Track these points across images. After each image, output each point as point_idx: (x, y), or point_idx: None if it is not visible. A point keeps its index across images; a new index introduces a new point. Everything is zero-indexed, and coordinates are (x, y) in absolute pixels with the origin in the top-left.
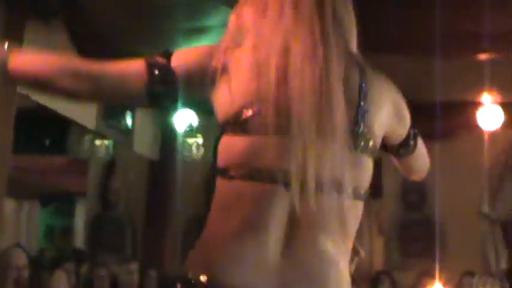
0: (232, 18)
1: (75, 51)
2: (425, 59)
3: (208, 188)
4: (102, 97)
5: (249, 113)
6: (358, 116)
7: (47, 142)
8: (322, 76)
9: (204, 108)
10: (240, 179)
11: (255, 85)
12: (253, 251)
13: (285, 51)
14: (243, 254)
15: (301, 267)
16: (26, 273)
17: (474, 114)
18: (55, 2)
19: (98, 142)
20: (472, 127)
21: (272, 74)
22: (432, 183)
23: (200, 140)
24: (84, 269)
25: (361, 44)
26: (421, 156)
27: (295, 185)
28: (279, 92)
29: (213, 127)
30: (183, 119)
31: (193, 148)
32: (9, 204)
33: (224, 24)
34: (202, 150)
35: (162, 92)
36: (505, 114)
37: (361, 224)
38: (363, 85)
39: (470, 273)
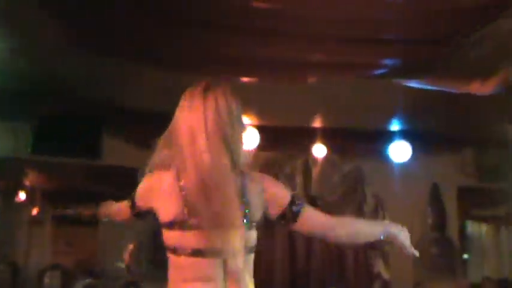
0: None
1: None
2: (186, 75)
3: None
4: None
5: (183, 218)
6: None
7: None
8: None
9: None
10: (186, 255)
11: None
12: None
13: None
14: None
15: None
16: None
17: None
18: None
19: None
20: None
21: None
22: None
23: None
24: None
25: None
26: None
27: (227, 255)
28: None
29: None
30: None
31: None
32: None
33: None
34: None
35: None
36: (260, 135)
37: None
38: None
39: None
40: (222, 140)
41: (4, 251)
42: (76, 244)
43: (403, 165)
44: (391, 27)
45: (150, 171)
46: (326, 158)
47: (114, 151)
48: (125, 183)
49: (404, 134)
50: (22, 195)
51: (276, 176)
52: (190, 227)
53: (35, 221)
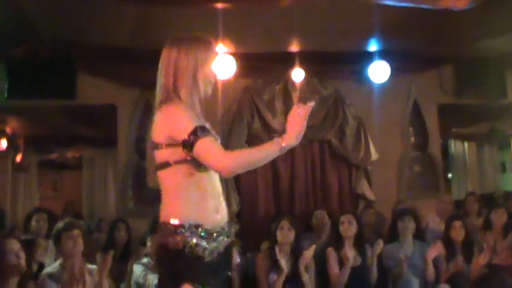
0: None
1: None
2: (158, 7)
3: None
4: None
5: None
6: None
7: None
8: None
9: None
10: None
11: None
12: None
13: None
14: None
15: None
16: None
17: None
18: None
19: None
20: None
21: None
22: None
23: None
24: None
25: None
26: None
27: None
28: None
29: None
30: None
31: None
32: None
33: None
34: None
35: None
36: (237, 63)
37: None
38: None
39: None
40: None
41: None
42: (62, 188)
43: (383, 85)
44: None
45: None
46: (305, 82)
47: (90, 89)
48: (103, 119)
49: (383, 54)
50: (4, 143)
51: (256, 103)
52: None
53: (20, 168)
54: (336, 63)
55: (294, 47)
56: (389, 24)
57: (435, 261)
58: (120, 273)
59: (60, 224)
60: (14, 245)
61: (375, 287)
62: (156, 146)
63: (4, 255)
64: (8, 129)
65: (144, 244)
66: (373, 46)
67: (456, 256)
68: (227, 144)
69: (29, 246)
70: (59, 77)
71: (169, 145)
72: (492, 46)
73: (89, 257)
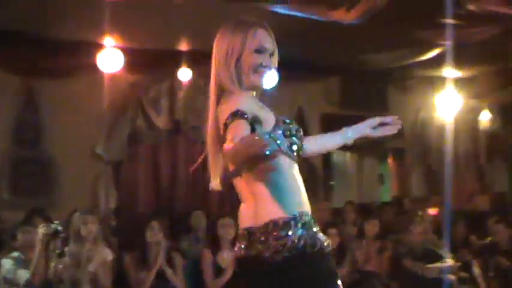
0: None
1: None
2: None
3: None
4: None
5: None
6: None
7: None
8: None
9: None
10: None
11: None
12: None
13: None
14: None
15: None
16: None
17: (95, 55)
18: None
19: None
20: (93, 69)
21: None
22: (48, 121)
23: None
24: None
25: None
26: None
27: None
28: None
29: None
30: None
31: None
32: None
33: None
34: None
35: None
36: (124, 57)
37: None
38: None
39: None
40: None
41: None
42: None
43: (269, 92)
44: None
45: None
46: (191, 82)
47: None
48: None
49: None
50: None
51: (141, 100)
52: None
53: None
54: None
55: (183, 46)
56: (279, 32)
57: None
58: None
59: None
60: None
61: None
62: None
63: None
64: None
65: (13, 238)
66: None
67: None
68: (108, 140)
69: None
70: None
71: None
72: (376, 60)
73: None
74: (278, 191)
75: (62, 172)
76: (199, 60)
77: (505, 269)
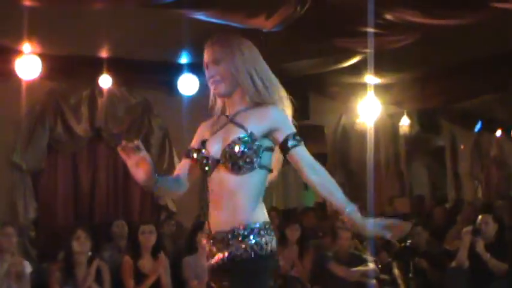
0: None
1: None
2: None
3: None
4: None
5: None
6: None
7: None
8: None
9: None
10: None
11: None
12: None
13: None
14: None
15: None
16: None
17: (13, 62)
18: None
19: None
20: (10, 75)
21: None
22: None
23: None
24: None
25: None
26: None
27: None
28: None
29: None
30: None
31: None
32: None
33: None
34: None
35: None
36: (42, 64)
37: None
38: None
39: None
40: None
41: None
42: None
43: (192, 98)
44: None
45: None
46: (112, 90)
47: None
48: None
49: (192, 67)
50: None
51: (61, 107)
52: None
53: None
54: (146, 72)
55: (103, 53)
56: (199, 38)
57: None
58: None
59: None
60: None
61: None
62: None
63: None
64: None
65: None
66: (183, 58)
67: None
68: (26, 148)
69: None
70: None
71: None
72: (297, 68)
73: None
74: (256, 201)
75: None
76: (120, 67)
77: (424, 270)
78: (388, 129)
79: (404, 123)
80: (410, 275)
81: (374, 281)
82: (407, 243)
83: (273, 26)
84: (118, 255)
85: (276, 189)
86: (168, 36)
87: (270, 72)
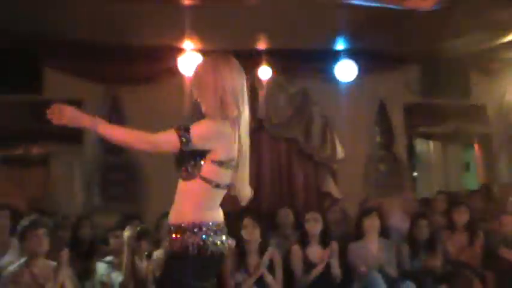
0: None
1: None
2: (123, 2)
3: None
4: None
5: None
6: None
7: None
8: None
9: None
10: (220, 188)
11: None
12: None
13: None
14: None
15: None
16: None
17: (176, 59)
18: None
19: None
20: (174, 72)
21: None
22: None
23: None
24: None
25: None
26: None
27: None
28: None
29: None
30: None
31: None
32: None
33: None
34: None
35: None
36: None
37: None
38: None
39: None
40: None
41: None
42: (26, 185)
43: (350, 85)
44: None
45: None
46: (272, 80)
47: (55, 85)
48: None
49: (350, 53)
50: None
51: None
52: (231, 167)
53: None
54: (303, 61)
55: (261, 45)
56: (357, 23)
57: (399, 258)
58: (85, 271)
59: (25, 222)
60: None
61: (340, 285)
62: None
63: None
64: None
65: (106, 242)
66: (340, 45)
67: (419, 254)
68: None
69: None
70: (24, 72)
71: None
72: (456, 46)
73: (54, 255)
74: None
75: (150, 178)
76: (279, 58)
77: None
78: None
79: None
80: None
81: None
82: None
83: (431, 5)
84: (284, 243)
85: (435, 172)
86: (324, 23)
87: None
